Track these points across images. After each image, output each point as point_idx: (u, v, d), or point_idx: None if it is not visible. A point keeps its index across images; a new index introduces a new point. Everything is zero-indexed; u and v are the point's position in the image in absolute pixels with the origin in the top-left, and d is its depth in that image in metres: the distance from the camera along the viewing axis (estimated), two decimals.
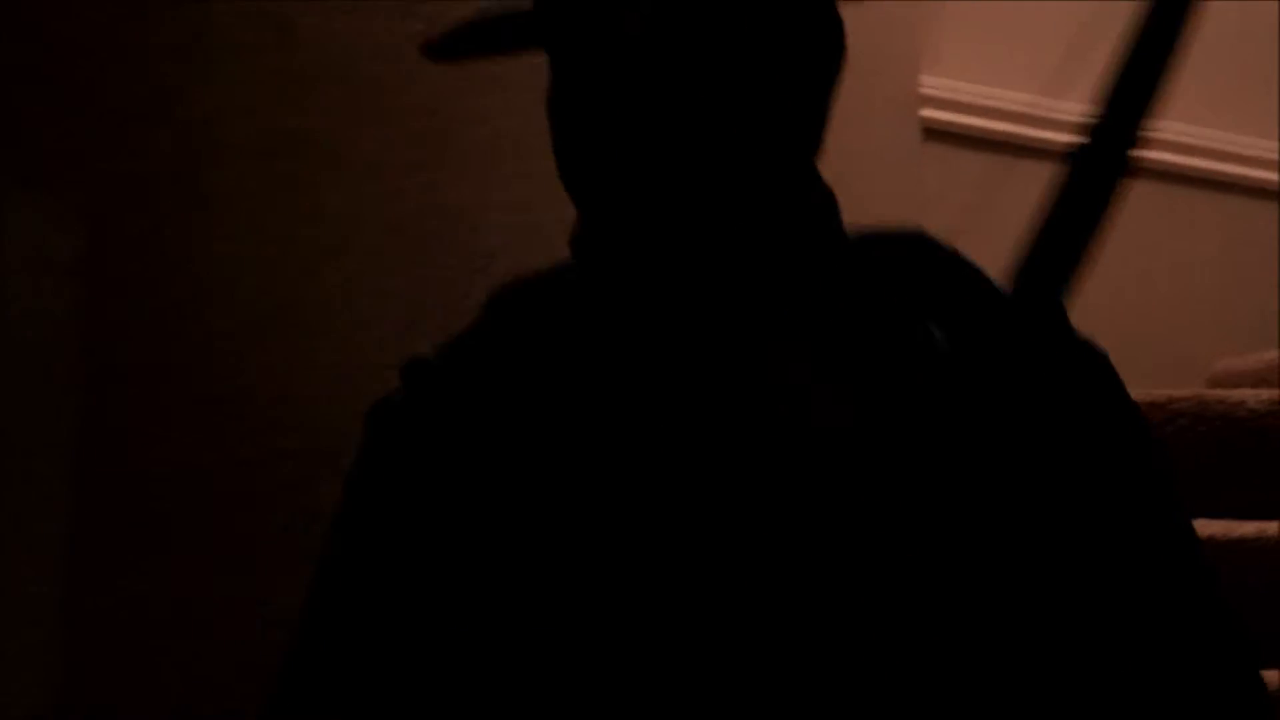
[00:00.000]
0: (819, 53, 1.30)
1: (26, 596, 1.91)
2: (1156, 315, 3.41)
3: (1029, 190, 3.83)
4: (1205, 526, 2.39)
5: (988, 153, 3.39)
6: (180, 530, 2.03)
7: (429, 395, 1.30)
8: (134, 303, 2.05)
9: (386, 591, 1.25)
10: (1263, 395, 2.58)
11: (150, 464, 2.01)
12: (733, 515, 1.18)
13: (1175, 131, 3.41)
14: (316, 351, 2.17)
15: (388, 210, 2.25)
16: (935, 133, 3.25)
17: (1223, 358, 3.33)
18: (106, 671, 1.94)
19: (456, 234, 2.28)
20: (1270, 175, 3.54)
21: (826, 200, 1.32)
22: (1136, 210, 2.96)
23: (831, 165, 1.34)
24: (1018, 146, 3.44)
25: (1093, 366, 1.30)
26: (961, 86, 3.40)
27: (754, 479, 1.18)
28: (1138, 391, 2.57)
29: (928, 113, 3.27)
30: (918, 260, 1.31)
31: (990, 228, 3.40)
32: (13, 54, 1.96)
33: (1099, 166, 1.20)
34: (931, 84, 3.30)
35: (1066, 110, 3.49)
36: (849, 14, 1.36)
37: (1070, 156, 1.22)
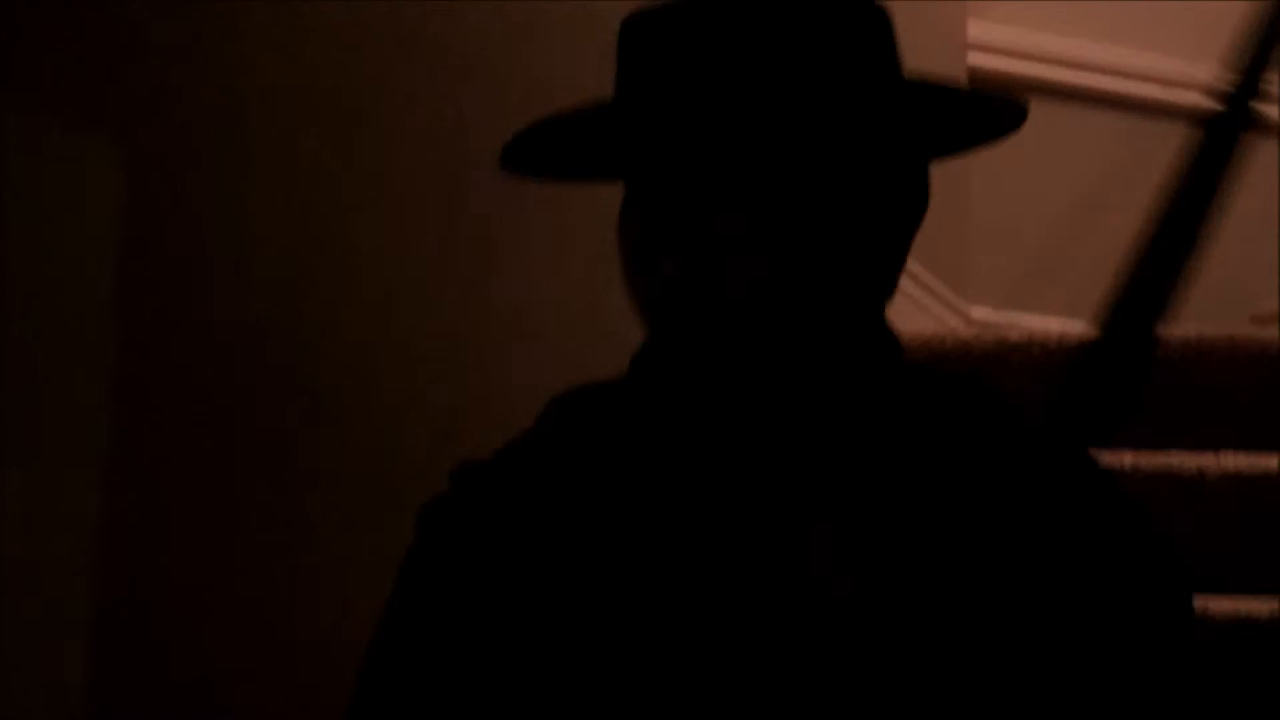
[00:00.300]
0: (907, 216, 1.32)
1: (27, 595, 1.86)
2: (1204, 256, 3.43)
3: (1076, 135, 3.85)
4: (1232, 459, 2.45)
5: (1035, 98, 3.43)
6: (182, 526, 1.99)
7: (481, 497, 1.34)
8: (153, 292, 1.99)
9: (438, 687, 1.30)
10: None
11: (159, 465, 1.96)
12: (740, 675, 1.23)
13: (1215, 78, 3.44)
14: (337, 321, 2.13)
15: (417, 163, 2.21)
16: (982, 79, 3.29)
17: (1267, 299, 3.38)
18: (107, 671, 1.91)
19: (481, 183, 2.25)
20: None
21: (889, 347, 1.34)
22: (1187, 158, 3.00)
23: None
24: (1065, 92, 3.48)
25: (1124, 526, 1.30)
26: (1008, 32, 3.44)
27: (756, 648, 1.23)
28: (1170, 328, 2.62)
29: (975, 58, 3.31)
30: (967, 407, 1.33)
31: (1037, 173, 3.44)
32: (37, 13, 1.91)
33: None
34: (978, 30, 3.34)
35: (1113, 55, 3.52)
36: None
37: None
